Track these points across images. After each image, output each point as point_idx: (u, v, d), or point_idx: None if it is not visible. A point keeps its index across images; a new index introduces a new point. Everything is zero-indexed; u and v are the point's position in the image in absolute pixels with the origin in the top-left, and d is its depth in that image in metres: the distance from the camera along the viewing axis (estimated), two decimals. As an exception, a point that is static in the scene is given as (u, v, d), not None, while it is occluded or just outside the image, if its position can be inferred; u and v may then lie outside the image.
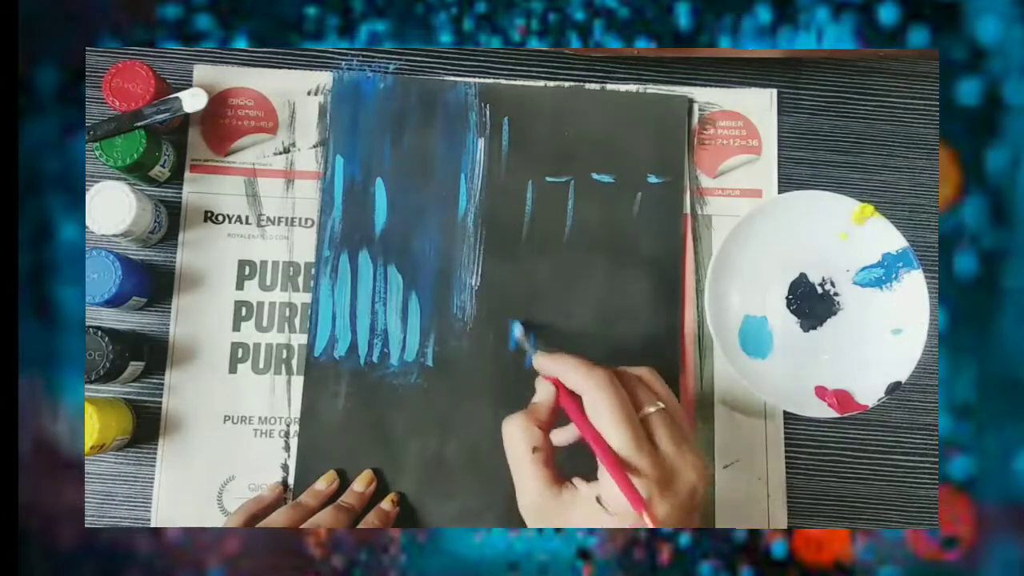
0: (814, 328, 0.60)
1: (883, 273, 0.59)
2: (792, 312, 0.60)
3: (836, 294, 0.60)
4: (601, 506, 0.42)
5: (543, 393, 0.47)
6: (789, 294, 0.60)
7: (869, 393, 0.57)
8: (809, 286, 0.60)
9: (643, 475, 0.41)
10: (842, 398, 0.57)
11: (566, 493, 0.44)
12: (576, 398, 0.45)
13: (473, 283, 0.60)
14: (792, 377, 0.58)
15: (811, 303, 0.60)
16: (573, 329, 0.59)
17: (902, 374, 0.57)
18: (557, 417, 0.47)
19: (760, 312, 0.60)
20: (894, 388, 0.57)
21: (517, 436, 0.45)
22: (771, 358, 0.59)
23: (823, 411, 0.57)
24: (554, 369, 0.46)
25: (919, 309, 0.58)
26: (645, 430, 0.43)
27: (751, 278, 0.59)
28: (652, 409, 0.44)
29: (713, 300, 0.58)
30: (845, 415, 0.57)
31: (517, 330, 0.57)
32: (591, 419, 0.43)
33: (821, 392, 0.58)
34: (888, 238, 0.59)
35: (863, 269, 0.60)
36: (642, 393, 0.45)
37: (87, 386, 0.55)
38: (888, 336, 0.59)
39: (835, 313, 0.60)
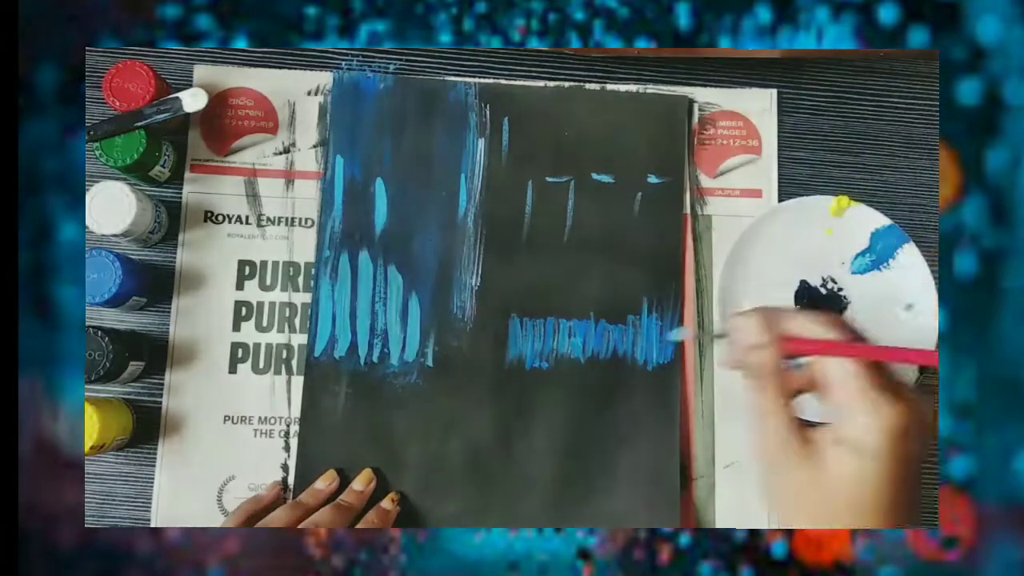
0: None
1: (876, 255, 0.59)
2: None
3: (840, 289, 0.60)
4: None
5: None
6: (796, 305, 0.60)
7: (903, 376, 0.57)
8: (812, 290, 0.60)
9: None
10: None
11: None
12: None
13: (473, 283, 0.60)
14: None
15: (820, 306, 0.60)
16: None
17: (927, 347, 0.57)
18: None
19: None
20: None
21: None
22: None
23: None
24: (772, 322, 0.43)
25: (923, 279, 0.58)
26: None
27: (756, 305, 0.59)
28: None
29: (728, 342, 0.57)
30: None
31: (684, 334, 0.56)
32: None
33: None
34: (870, 220, 0.59)
35: (856, 257, 0.60)
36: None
37: (87, 386, 0.55)
38: (902, 314, 0.58)
39: (845, 308, 0.60)
